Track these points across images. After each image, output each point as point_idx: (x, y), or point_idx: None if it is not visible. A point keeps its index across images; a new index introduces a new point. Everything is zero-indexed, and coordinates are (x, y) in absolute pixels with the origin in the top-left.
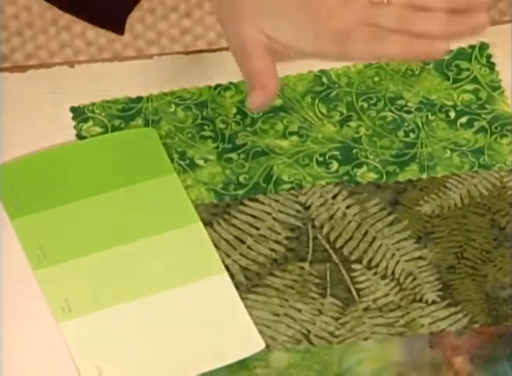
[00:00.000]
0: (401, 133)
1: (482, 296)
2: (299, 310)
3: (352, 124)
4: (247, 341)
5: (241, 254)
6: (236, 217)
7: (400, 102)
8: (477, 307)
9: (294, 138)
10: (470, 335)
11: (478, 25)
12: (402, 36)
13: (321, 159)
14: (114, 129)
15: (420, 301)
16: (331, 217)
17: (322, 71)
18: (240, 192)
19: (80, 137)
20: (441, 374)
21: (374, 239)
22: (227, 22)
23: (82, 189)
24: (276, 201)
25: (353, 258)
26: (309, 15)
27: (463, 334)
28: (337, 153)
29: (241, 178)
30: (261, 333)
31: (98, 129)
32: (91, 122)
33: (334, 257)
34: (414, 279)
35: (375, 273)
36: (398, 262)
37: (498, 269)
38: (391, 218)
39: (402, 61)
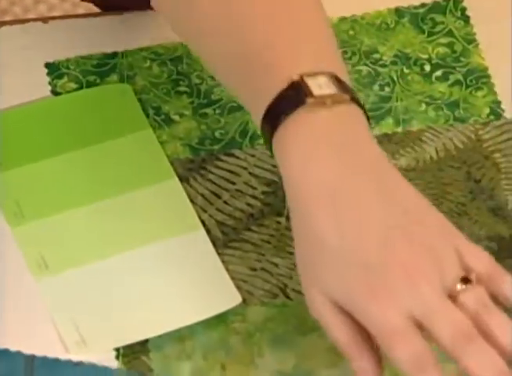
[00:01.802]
0: (376, 87)
1: None
2: (276, 265)
3: None
4: (224, 295)
5: (217, 209)
6: (212, 172)
7: (375, 55)
8: None
9: None
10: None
11: None
12: None
13: None
14: (89, 85)
15: None
16: None
17: None
18: (216, 147)
19: (55, 93)
20: None
21: None
22: (302, 279)
23: (57, 145)
24: (252, 156)
25: None
26: (368, 294)
27: None
28: None
29: (217, 134)
30: (238, 287)
31: (73, 85)
32: (65, 78)
33: None
34: None
35: None
36: None
37: (473, 221)
38: None
39: None
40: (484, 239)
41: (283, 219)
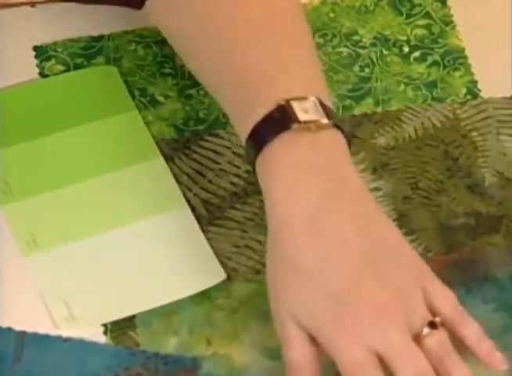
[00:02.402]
0: (356, 68)
1: (436, 225)
2: (259, 242)
3: None
4: (209, 272)
5: (202, 187)
6: (196, 152)
7: (355, 37)
8: (431, 235)
9: None
10: (425, 263)
11: None
12: None
13: None
14: (76, 67)
15: None
16: None
17: None
18: (200, 127)
19: (43, 75)
20: None
21: None
22: (271, 297)
23: (45, 126)
24: (236, 136)
25: None
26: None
27: None
28: None
29: (201, 114)
30: (223, 264)
31: (60, 67)
32: (53, 61)
33: None
34: None
35: None
36: None
37: (451, 198)
38: None
39: None
40: (462, 215)
41: None
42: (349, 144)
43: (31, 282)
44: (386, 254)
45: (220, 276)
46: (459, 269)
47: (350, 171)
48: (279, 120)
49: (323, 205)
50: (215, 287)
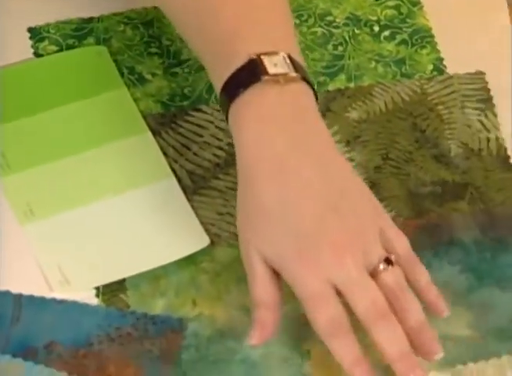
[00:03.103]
0: (330, 47)
1: (406, 193)
2: None
3: None
4: (194, 238)
5: (187, 159)
6: (181, 126)
7: (329, 18)
8: (401, 202)
9: None
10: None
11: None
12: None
13: None
14: (68, 47)
15: None
16: None
17: None
18: (185, 103)
19: (37, 55)
20: None
21: None
22: (240, 236)
23: (41, 103)
24: (218, 111)
25: None
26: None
27: None
28: None
29: (185, 91)
30: (207, 230)
31: (53, 48)
32: (47, 41)
33: None
34: None
35: None
36: None
37: (419, 168)
38: None
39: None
40: (429, 184)
41: None
42: (316, 96)
43: (28, 249)
44: (347, 197)
45: (204, 241)
46: (427, 233)
47: (317, 120)
48: (250, 73)
49: (290, 151)
50: (200, 252)
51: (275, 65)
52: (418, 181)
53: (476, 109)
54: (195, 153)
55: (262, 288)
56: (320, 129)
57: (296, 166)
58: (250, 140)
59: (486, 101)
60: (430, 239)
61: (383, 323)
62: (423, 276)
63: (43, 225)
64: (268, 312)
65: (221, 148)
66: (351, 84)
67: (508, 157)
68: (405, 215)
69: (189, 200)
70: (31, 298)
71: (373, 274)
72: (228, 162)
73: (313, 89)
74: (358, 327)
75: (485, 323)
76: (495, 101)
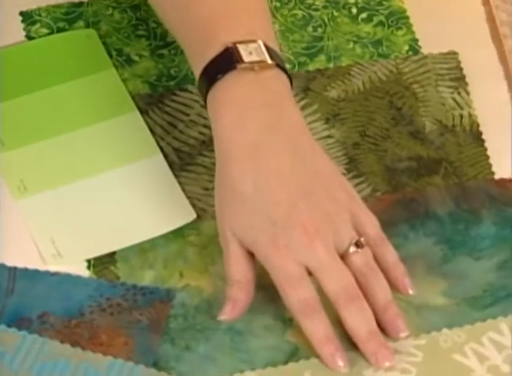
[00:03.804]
0: (310, 28)
1: (383, 168)
2: None
3: None
4: (181, 212)
5: (174, 137)
6: (168, 105)
7: (308, 1)
8: (378, 178)
9: None
10: (373, 202)
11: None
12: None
13: None
14: (59, 30)
15: None
16: None
17: None
18: (172, 83)
19: (29, 38)
20: None
21: None
22: (217, 218)
23: (34, 83)
24: None
25: None
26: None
27: (367, 202)
28: None
29: (172, 71)
30: (193, 205)
31: (45, 31)
32: (38, 25)
33: None
34: None
35: None
36: None
37: (396, 144)
38: (302, 103)
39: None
40: (406, 159)
41: None
42: (291, 82)
43: (22, 223)
44: (320, 182)
45: (191, 215)
46: (404, 206)
47: (291, 106)
48: (226, 61)
49: (264, 135)
50: (187, 226)
51: (250, 53)
52: (394, 156)
53: (449, 87)
54: (181, 131)
55: (236, 267)
56: (294, 114)
57: (269, 151)
58: (226, 125)
59: (459, 79)
60: (406, 212)
61: (352, 305)
62: (390, 254)
63: (36, 200)
64: (240, 290)
65: (206, 126)
66: (331, 65)
67: (480, 133)
68: (383, 189)
69: (175, 176)
70: (25, 270)
71: (344, 256)
72: (213, 140)
73: (288, 76)
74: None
75: (459, 291)
76: (467, 79)
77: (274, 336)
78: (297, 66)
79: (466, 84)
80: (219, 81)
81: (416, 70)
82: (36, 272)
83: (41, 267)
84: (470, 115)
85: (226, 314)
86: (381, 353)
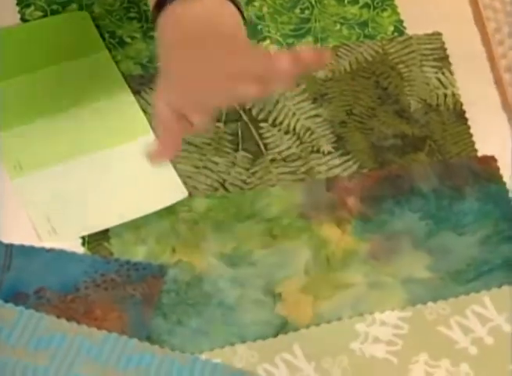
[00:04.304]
0: (297, 10)
1: (369, 146)
2: (216, 163)
3: (256, 3)
4: (173, 190)
5: None
6: None
7: None
8: (365, 155)
9: None
10: (359, 179)
11: None
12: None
13: None
14: (53, 13)
15: (318, 152)
16: None
17: None
18: None
19: (24, 20)
20: (336, 212)
21: (278, 101)
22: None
23: (28, 64)
24: None
25: (260, 117)
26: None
27: (354, 178)
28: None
29: None
30: (185, 183)
31: (39, 13)
32: (32, 7)
33: (244, 117)
34: (312, 133)
35: (279, 130)
36: (298, 120)
37: (382, 122)
38: None
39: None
40: (391, 137)
41: (220, 124)
42: (244, 19)
43: (18, 201)
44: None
45: (182, 193)
46: (389, 183)
47: (235, 25)
48: None
49: (203, 35)
50: (178, 203)
51: None
52: (380, 134)
53: (434, 67)
54: None
55: (167, 131)
56: (237, 32)
57: (206, 40)
58: (167, 26)
59: (443, 60)
60: (392, 188)
61: None
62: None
63: (31, 179)
64: (169, 147)
65: None
66: (318, 46)
67: (464, 111)
68: (369, 166)
69: None
70: (21, 247)
71: None
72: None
73: (241, 12)
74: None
75: (443, 266)
76: (451, 60)
77: (264, 310)
78: (285, 48)
79: (450, 64)
80: (169, 6)
81: (401, 50)
82: (32, 249)
83: (37, 244)
84: (453, 94)
85: (154, 156)
86: None
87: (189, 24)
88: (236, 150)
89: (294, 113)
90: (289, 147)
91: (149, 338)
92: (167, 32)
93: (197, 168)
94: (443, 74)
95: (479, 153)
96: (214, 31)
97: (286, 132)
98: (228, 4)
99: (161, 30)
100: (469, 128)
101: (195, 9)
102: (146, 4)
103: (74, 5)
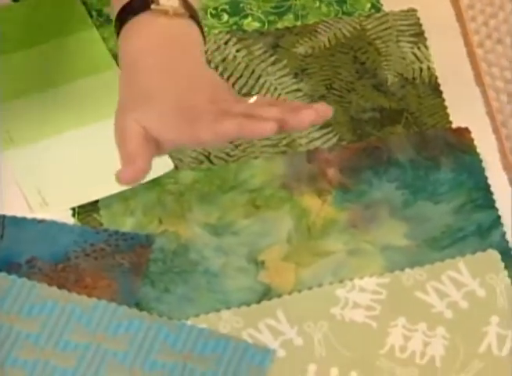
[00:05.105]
0: None
1: (348, 119)
2: None
3: None
4: (160, 163)
5: None
6: None
7: None
8: (344, 128)
9: None
10: (339, 151)
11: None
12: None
13: (214, 12)
14: None
15: None
16: (224, 59)
17: None
18: None
19: (15, 0)
20: (317, 183)
21: (260, 76)
22: (119, 113)
23: (19, 42)
24: None
25: (243, 92)
26: (175, 105)
27: (334, 151)
28: (226, 6)
29: None
30: (171, 156)
31: None
32: None
33: None
34: None
35: None
36: (279, 95)
37: (360, 96)
38: (272, 58)
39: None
40: (369, 110)
41: None
42: (204, 38)
43: (9, 174)
44: (200, 85)
45: (169, 165)
46: (368, 155)
47: (196, 52)
48: (142, 2)
49: (166, 63)
50: (165, 175)
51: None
52: (359, 108)
53: (409, 42)
54: None
55: (136, 144)
56: (197, 54)
57: (174, 64)
58: (130, 46)
59: (418, 35)
60: (370, 160)
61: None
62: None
63: (22, 151)
64: (140, 159)
65: None
66: (298, 23)
67: (438, 84)
68: (348, 138)
69: None
70: (13, 218)
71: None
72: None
73: (202, 32)
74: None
75: (420, 233)
76: (426, 35)
77: (247, 278)
78: (266, 25)
79: (425, 39)
80: (131, 19)
81: (378, 26)
82: (24, 220)
83: (29, 215)
84: (428, 68)
85: (125, 174)
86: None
87: (154, 40)
88: None
89: (276, 88)
90: None
91: (137, 305)
92: (132, 45)
93: None
94: (418, 48)
95: (453, 125)
96: (180, 58)
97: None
98: (192, 26)
99: (125, 43)
100: (444, 100)
101: (160, 29)
102: None
103: None
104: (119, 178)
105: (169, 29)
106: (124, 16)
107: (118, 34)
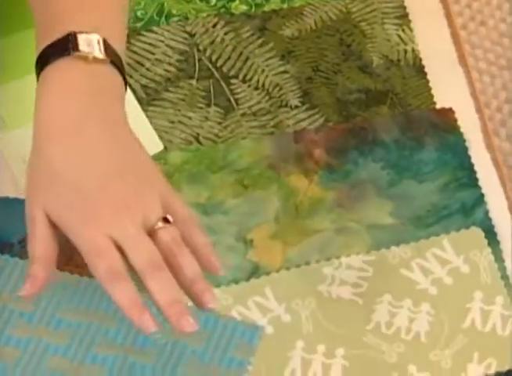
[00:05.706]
0: None
1: (334, 100)
2: (190, 118)
3: None
4: (150, 144)
5: (141, 74)
6: (135, 45)
7: None
8: (330, 109)
9: None
10: (325, 132)
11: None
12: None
13: None
14: None
15: (286, 106)
16: (212, 42)
17: None
18: (138, 25)
19: None
20: (304, 164)
21: (247, 58)
22: (27, 196)
23: (14, 25)
24: (168, 31)
25: (231, 74)
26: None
27: (320, 131)
28: None
29: (138, 13)
30: (160, 137)
31: None
32: None
33: (216, 74)
34: (280, 89)
35: (249, 86)
36: (267, 76)
37: (346, 78)
38: (260, 41)
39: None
40: (355, 91)
41: (193, 81)
42: (125, 83)
43: (1, 156)
44: (135, 167)
45: (158, 146)
46: (354, 135)
47: (114, 101)
48: (63, 47)
49: (82, 119)
50: (154, 156)
51: (88, 45)
52: (345, 89)
53: (394, 24)
54: (148, 69)
55: (39, 245)
56: (117, 107)
57: (86, 132)
58: (46, 105)
59: (403, 17)
60: (356, 140)
61: (156, 276)
62: (199, 236)
63: (14, 135)
64: (41, 267)
65: (171, 64)
66: (285, 5)
67: (423, 66)
68: (334, 119)
69: (144, 110)
70: (5, 199)
71: (152, 233)
72: (178, 77)
73: (123, 77)
74: None
75: (405, 212)
76: (410, 17)
77: (236, 256)
78: (254, 8)
79: (410, 21)
80: (52, 63)
81: (363, 9)
82: (15, 201)
83: (21, 196)
84: (413, 50)
85: (26, 290)
86: (183, 320)
87: (71, 92)
88: (209, 106)
89: (263, 70)
90: (258, 102)
91: None
92: (47, 102)
93: (172, 122)
94: (403, 30)
95: (438, 106)
96: (101, 118)
97: (256, 88)
98: (113, 73)
99: (40, 95)
100: (428, 82)
101: (79, 77)
102: None
103: None
104: (20, 291)
105: (88, 77)
106: (43, 61)
107: (37, 77)
